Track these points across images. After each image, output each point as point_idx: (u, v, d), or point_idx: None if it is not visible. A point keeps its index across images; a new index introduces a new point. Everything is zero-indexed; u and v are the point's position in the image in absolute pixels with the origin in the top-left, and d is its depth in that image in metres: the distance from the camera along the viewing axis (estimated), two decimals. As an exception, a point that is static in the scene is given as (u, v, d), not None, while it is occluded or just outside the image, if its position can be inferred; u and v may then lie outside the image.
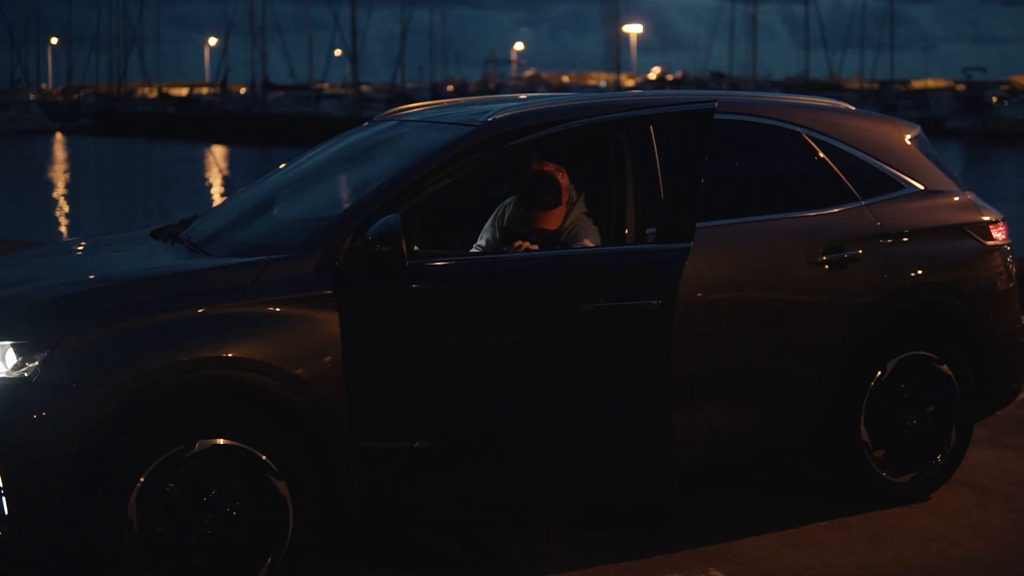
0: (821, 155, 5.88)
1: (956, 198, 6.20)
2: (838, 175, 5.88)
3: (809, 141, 5.88)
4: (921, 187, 6.10)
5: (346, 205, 5.07)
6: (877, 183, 5.98)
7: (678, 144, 5.20)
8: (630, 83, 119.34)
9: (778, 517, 5.76)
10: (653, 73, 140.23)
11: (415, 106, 6.36)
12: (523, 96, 6.08)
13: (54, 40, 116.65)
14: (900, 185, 6.05)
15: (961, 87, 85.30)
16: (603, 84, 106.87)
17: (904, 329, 5.93)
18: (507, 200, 5.84)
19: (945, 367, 5.98)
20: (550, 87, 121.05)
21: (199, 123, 78.70)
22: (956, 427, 6.04)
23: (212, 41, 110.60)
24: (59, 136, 76.42)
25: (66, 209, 33.13)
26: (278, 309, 4.73)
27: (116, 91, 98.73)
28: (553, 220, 5.56)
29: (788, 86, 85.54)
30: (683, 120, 5.21)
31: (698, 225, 5.36)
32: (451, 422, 4.89)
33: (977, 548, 5.48)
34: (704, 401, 5.44)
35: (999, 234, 6.26)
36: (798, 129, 5.87)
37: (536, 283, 4.97)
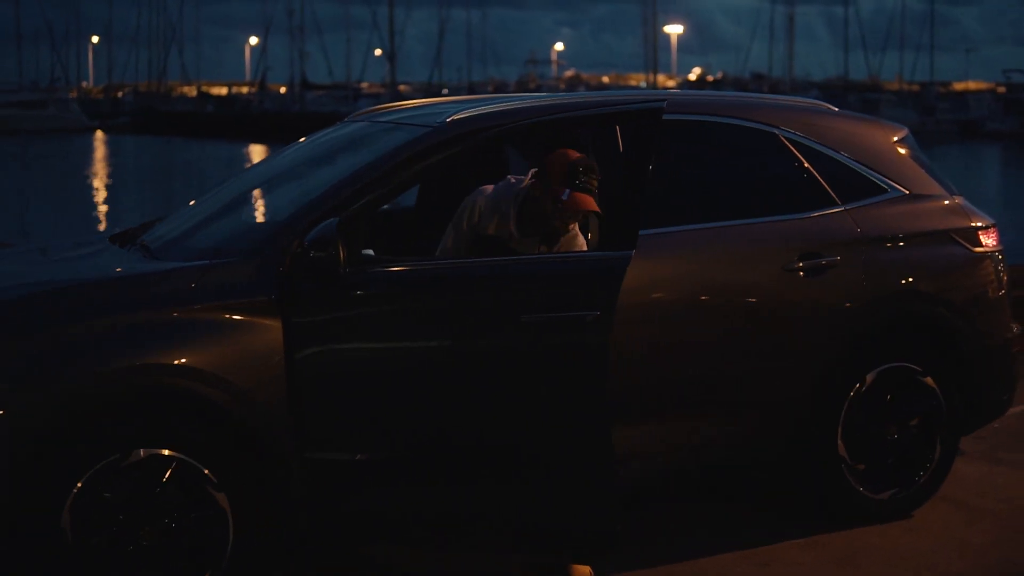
0: (799, 157, 5.65)
1: (943, 203, 5.96)
2: (816, 178, 5.65)
3: (786, 143, 5.65)
4: (906, 191, 5.86)
5: (296, 209, 4.91)
6: (858, 187, 5.75)
7: (624, 146, 4.99)
8: (670, 84, 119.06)
9: (747, 534, 5.55)
10: (693, 74, 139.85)
11: (390, 106, 6.19)
12: (497, 95, 5.90)
13: (95, 39, 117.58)
14: (883, 189, 5.81)
15: (1001, 89, 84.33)
16: (643, 85, 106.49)
17: (885, 339, 5.69)
18: (473, 198, 5.56)
19: (929, 379, 5.75)
20: (589, 87, 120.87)
21: (237, 122, 79.03)
22: (941, 442, 5.80)
23: (253, 40, 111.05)
24: (99, 134, 76.97)
25: (95, 207, 33.23)
26: (219, 315, 4.58)
27: (155, 90, 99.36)
28: (595, 202, 5.16)
29: (827, 87, 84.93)
30: (628, 120, 5.01)
31: (664, 230, 5.19)
32: (394, 434, 4.73)
33: (957, 569, 5.25)
34: (669, 413, 5.24)
35: (989, 240, 6.01)
36: (774, 131, 5.65)
37: (478, 292, 4.79)
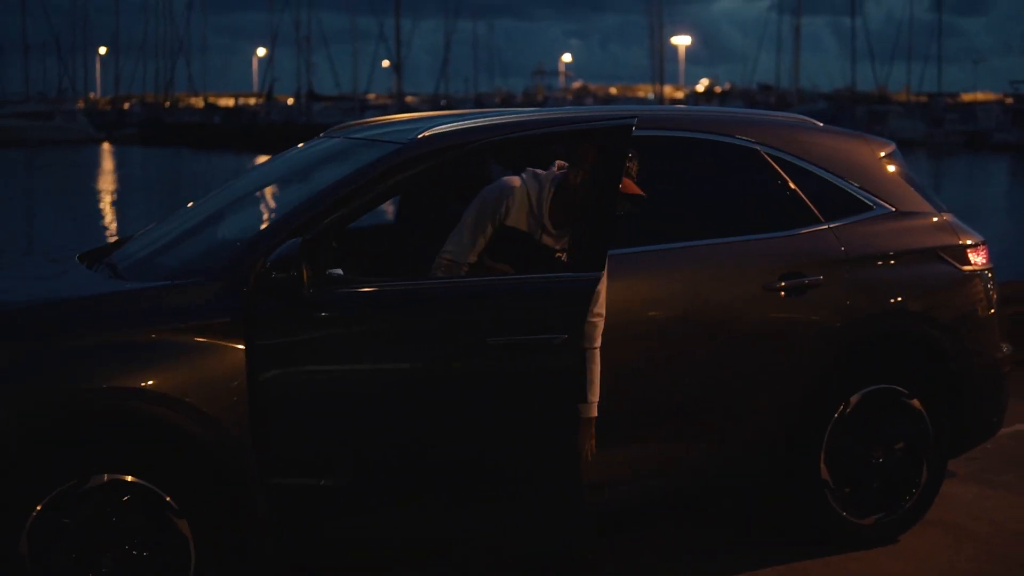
0: (781, 174, 5.53)
1: (930, 220, 5.83)
2: (799, 196, 5.53)
3: (768, 159, 5.52)
4: (892, 208, 5.73)
5: (262, 228, 4.80)
6: (843, 204, 5.62)
7: (593, 165, 4.87)
8: (678, 95, 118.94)
9: (728, 559, 5.41)
10: (701, 85, 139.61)
11: (367, 121, 6.08)
12: (474, 111, 5.78)
13: (103, 50, 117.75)
14: (868, 206, 5.68)
15: (1009, 100, 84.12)
16: (650, 96, 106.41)
17: (869, 361, 5.56)
18: (499, 192, 5.03)
19: (916, 401, 5.61)
20: (597, 99, 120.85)
21: (244, 133, 79.03)
22: (928, 465, 5.67)
23: (260, 51, 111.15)
24: (106, 146, 76.99)
25: (100, 217, 33.16)
26: (181, 338, 4.46)
27: (162, 101, 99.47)
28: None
29: (834, 98, 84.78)
30: (597, 138, 4.89)
31: (640, 249, 5.08)
32: (359, 459, 4.62)
33: (942, 596, 5.12)
34: (647, 436, 5.12)
35: (978, 258, 5.88)
36: (756, 147, 5.52)
37: (444, 314, 4.67)
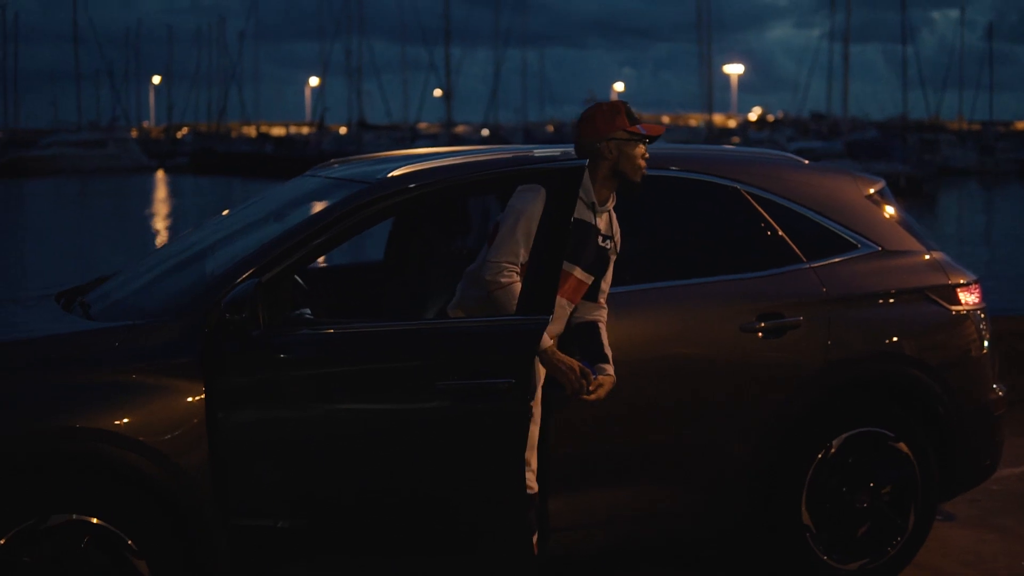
0: (761, 213, 5.44)
1: (918, 259, 5.70)
2: (780, 235, 5.44)
3: (748, 198, 5.44)
4: (878, 247, 5.62)
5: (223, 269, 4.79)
6: (826, 243, 5.52)
7: (546, 205, 4.80)
8: (730, 123, 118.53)
9: (704, 606, 5.33)
10: (753, 113, 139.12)
11: (349, 159, 6.07)
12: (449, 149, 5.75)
13: (156, 79, 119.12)
14: (853, 245, 5.58)
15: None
16: (700, 125, 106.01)
17: (853, 403, 5.45)
18: (524, 203, 4.81)
19: (902, 445, 5.48)
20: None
21: (295, 162, 79.46)
22: (915, 510, 5.52)
23: (314, 81, 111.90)
24: (160, 174, 77.82)
25: (152, 244, 33.45)
26: (140, 377, 4.47)
27: (215, 130, 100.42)
28: None
29: (886, 127, 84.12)
30: (547, 179, 4.83)
31: (613, 290, 5.01)
32: (316, 502, 4.58)
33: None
34: (620, 481, 5.04)
35: (970, 298, 5.74)
36: (735, 185, 5.44)
37: (397, 357, 4.63)
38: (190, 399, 4.48)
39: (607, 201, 4.94)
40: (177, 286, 5.02)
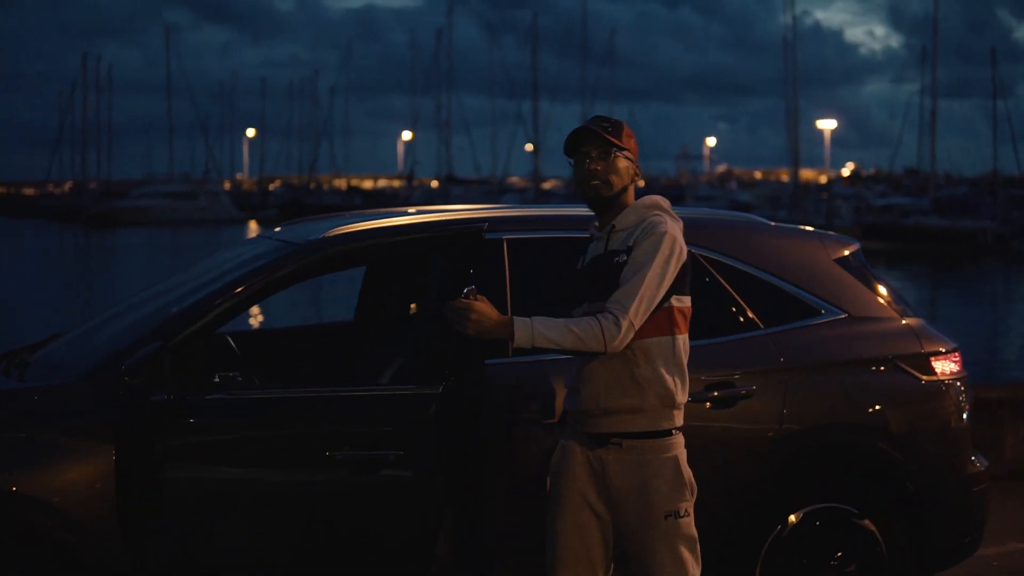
0: (716, 277, 5.22)
1: (888, 326, 5.43)
2: (736, 300, 5.21)
3: (702, 262, 5.22)
4: (844, 313, 5.37)
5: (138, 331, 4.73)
6: (786, 309, 5.28)
7: (445, 273, 4.69)
8: (821, 179, 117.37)
9: None
10: (847, 169, 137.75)
11: (309, 218, 6.02)
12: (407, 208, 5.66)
13: (251, 132, 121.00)
14: (816, 311, 5.33)
15: None
16: (788, 181, 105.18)
17: (812, 477, 5.19)
18: None
19: (867, 522, 5.19)
20: (741, 183, 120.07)
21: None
22: (883, 591, 5.24)
23: (406, 135, 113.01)
24: (252, 225, 78.90)
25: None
26: (54, 439, 4.44)
27: (306, 182, 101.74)
28: None
29: (977, 183, 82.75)
30: (452, 244, 4.71)
31: (553, 358, 4.81)
32: (224, 566, 4.53)
33: None
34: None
35: (946, 367, 5.45)
36: (690, 248, 5.22)
37: (293, 425, 4.58)
38: (102, 461, 4.43)
39: (610, 220, 4.38)
40: (97, 346, 4.97)
